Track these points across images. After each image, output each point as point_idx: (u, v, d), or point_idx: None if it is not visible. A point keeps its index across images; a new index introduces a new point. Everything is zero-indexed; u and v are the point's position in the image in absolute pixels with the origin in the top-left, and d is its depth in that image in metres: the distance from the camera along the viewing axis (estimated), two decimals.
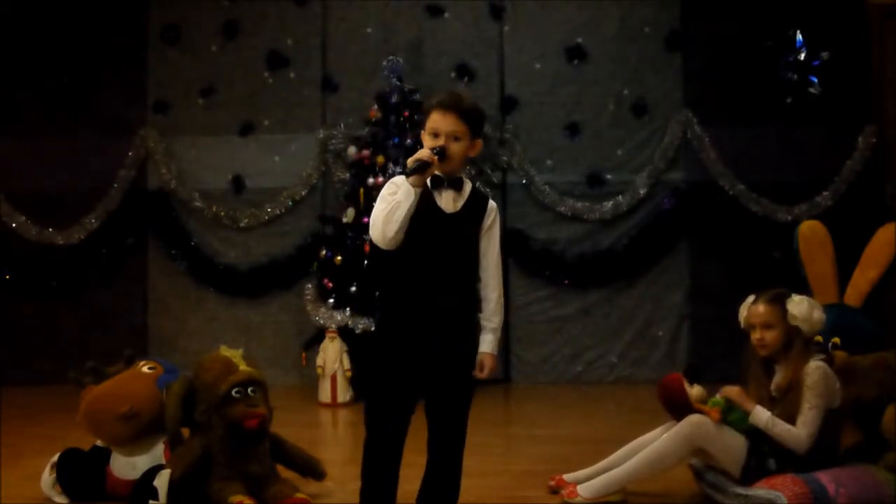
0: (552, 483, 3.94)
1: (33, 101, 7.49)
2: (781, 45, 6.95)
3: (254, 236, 7.48)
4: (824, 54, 6.84)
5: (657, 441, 3.69)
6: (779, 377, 3.65)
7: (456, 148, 2.83)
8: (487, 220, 2.92)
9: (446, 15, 7.46)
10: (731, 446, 3.62)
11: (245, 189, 7.49)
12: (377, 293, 3.13)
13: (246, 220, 7.45)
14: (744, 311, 3.74)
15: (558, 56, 7.41)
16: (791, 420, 3.53)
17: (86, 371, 4.09)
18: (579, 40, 7.38)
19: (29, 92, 7.47)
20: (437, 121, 2.83)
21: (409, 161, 2.77)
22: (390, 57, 6.95)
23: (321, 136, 7.41)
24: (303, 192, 7.41)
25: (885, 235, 5.00)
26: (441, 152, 2.79)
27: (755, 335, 3.67)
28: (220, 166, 7.50)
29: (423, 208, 2.80)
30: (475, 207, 2.91)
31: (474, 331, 2.91)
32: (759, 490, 3.48)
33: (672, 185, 7.28)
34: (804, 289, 4.69)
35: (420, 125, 3.08)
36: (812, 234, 4.98)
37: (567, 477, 3.91)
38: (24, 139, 7.48)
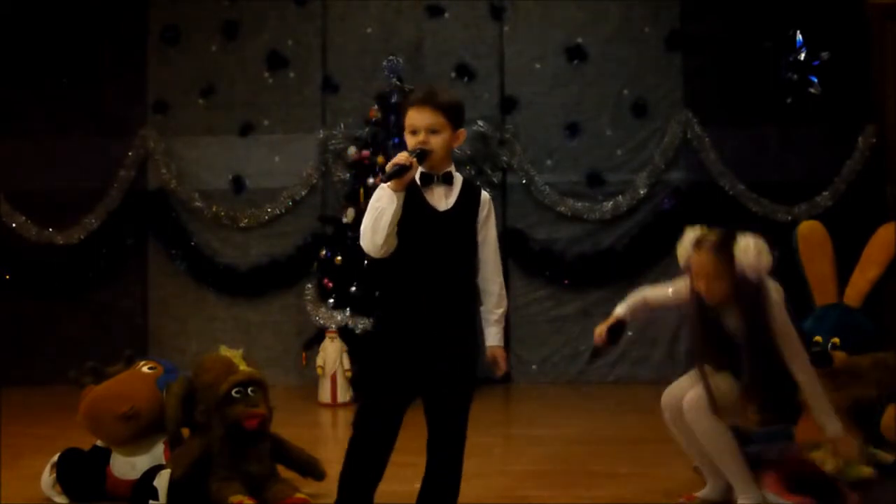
0: (682, 500, 3.71)
1: (33, 101, 7.48)
2: (781, 45, 6.95)
3: (254, 236, 7.48)
4: (824, 54, 6.84)
5: (700, 435, 3.49)
6: (731, 322, 3.48)
7: (436, 141, 2.76)
8: (482, 213, 2.86)
9: (446, 15, 7.45)
10: (723, 388, 3.49)
11: (245, 189, 7.49)
12: (377, 293, 3.09)
13: (246, 220, 7.45)
14: (683, 252, 3.51)
15: (558, 56, 7.40)
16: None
17: (86, 371, 4.08)
18: (579, 40, 7.38)
19: (29, 92, 7.47)
20: (414, 117, 2.77)
21: (388, 166, 2.72)
22: (390, 57, 6.95)
23: (321, 136, 7.41)
24: (303, 192, 7.41)
25: (885, 235, 4.98)
26: (420, 154, 2.73)
27: (699, 284, 3.46)
28: (220, 166, 7.50)
29: (416, 208, 2.76)
30: (469, 201, 2.85)
31: (474, 327, 2.86)
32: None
33: (672, 185, 7.28)
34: (804, 289, 4.69)
35: None
36: (811, 234, 4.97)
37: (698, 495, 3.71)
38: (24, 139, 7.48)
